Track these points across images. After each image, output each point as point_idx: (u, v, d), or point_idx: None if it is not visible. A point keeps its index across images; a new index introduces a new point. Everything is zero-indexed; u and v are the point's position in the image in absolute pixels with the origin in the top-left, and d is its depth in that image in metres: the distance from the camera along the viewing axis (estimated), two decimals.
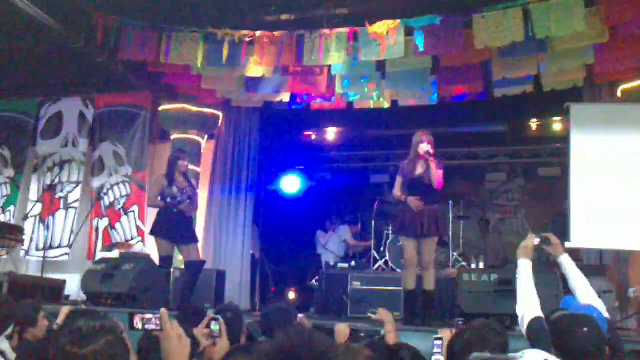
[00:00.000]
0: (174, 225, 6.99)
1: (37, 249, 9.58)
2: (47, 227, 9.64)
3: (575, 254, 7.72)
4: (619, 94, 8.02)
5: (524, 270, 3.52)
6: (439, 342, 3.28)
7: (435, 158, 6.19)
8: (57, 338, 1.65)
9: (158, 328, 1.98)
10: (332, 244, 10.47)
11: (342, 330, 4.17)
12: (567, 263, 3.65)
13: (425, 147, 6.14)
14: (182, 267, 7.48)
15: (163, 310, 2.00)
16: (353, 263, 9.35)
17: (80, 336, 1.62)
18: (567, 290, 3.86)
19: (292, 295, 9.83)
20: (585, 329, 2.69)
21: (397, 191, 6.44)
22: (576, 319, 2.82)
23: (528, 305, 3.34)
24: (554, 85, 7.85)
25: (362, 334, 4.72)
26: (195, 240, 7.29)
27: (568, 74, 7.60)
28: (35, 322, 4.25)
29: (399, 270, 8.60)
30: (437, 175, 6.11)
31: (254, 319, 4.59)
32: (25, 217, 9.61)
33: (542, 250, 3.75)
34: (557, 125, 10.42)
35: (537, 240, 3.66)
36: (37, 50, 8.39)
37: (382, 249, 9.60)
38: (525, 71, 7.55)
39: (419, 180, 6.22)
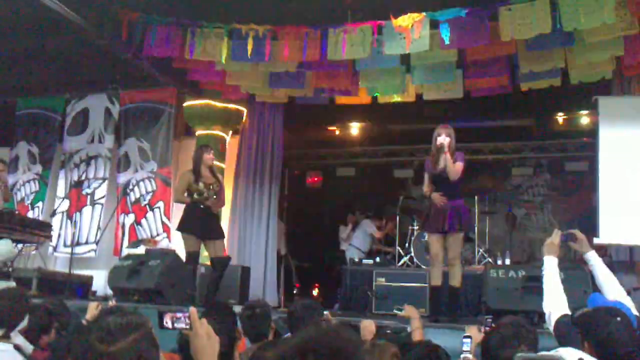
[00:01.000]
0: (200, 221, 7.01)
1: (65, 245, 9.69)
2: (75, 224, 9.75)
3: (602, 250, 7.63)
4: None
5: (550, 267, 3.47)
6: (467, 340, 3.25)
7: (456, 151, 6.14)
8: (85, 335, 1.65)
9: (187, 327, 1.98)
10: (356, 240, 10.43)
11: (368, 326, 4.16)
12: (594, 260, 3.58)
13: (440, 140, 6.10)
14: (208, 263, 7.51)
15: (192, 308, 2.00)
16: (378, 259, 9.31)
17: (108, 333, 1.61)
18: (597, 287, 3.80)
19: (316, 291, 9.83)
20: (618, 319, 2.65)
21: (425, 187, 6.41)
22: (607, 311, 2.77)
23: (555, 302, 3.29)
24: (581, 78, 7.73)
25: (389, 331, 4.70)
26: (221, 236, 7.31)
27: (596, 66, 7.47)
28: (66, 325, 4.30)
29: (424, 267, 8.54)
30: (453, 168, 6.05)
31: (280, 316, 4.60)
32: (53, 214, 9.74)
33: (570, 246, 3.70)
34: (584, 119, 10.27)
35: (562, 237, 3.61)
36: (63, 47, 8.50)
37: (407, 245, 9.55)
38: (552, 64, 7.44)
39: (441, 175, 6.18)
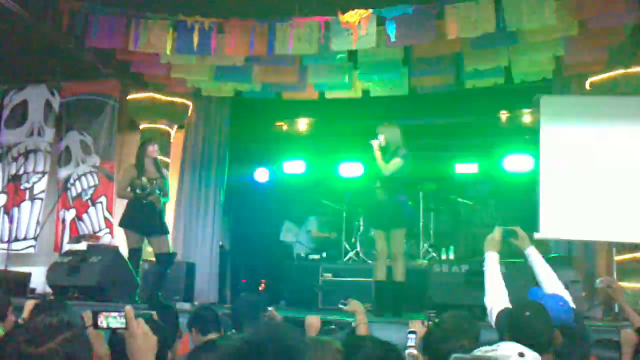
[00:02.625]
0: (143, 217, 6.89)
1: (2, 241, 9.36)
2: (12, 219, 9.42)
3: (543, 245, 7.83)
4: (587, 86, 8.10)
5: (491, 263, 3.56)
6: (412, 336, 3.28)
7: (399, 147, 6.26)
8: (13, 336, 1.58)
9: (123, 326, 1.92)
10: (302, 236, 10.40)
11: (312, 322, 4.16)
12: (533, 255, 3.70)
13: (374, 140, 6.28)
14: (151, 259, 7.38)
15: (128, 307, 1.94)
16: (324, 254, 9.32)
17: (36, 334, 1.55)
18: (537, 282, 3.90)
19: (262, 287, 9.77)
20: (527, 314, 2.77)
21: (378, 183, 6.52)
22: (522, 305, 2.91)
23: (496, 297, 3.36)
24: (524, 77, 7.91)
25: (333, 326, 4.71)
26: (165, 231, 7.19)
27: (538, 65, 7.66)
28: (4, 317, 4.14)
29: (370, 261, 8.60)
30: (382, 166, 6.24)
31: (224, 312, 4.55)
32: None
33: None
34: (526, 117, 10.50)
35: (503, 233, 3.69)
36: (1, 36, 8.18)
37: (353, 240, 9.59)
38: (496, 63, 7.59)
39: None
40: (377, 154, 6.27)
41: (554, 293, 3.41)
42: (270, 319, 4.06)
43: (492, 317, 3.25)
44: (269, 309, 4.26)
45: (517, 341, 2.24)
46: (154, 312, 2.63)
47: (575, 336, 3.22)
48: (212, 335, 3.53)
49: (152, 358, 1.91)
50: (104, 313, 1.95)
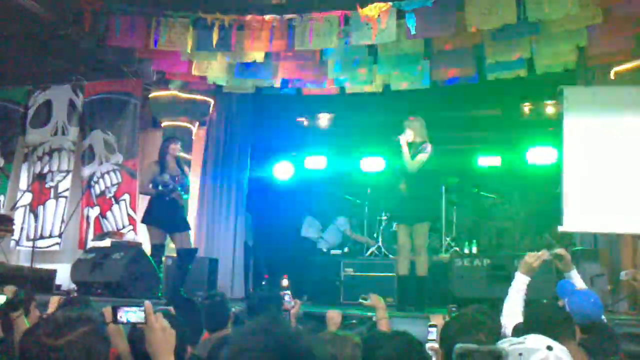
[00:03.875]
0: (166, 213, 6.95)
1: (28, 239, 9.51)
2: (37, 217, 9.56)
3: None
4: (612, 76, 7.95)
5: (518, 287, 3.47)
6: (432, 329, 3.27)
7: (424, 142, 6.24)
8: (34, 329, 1.62)
9: (143, 321, 1.95)
10: (329, 235, 10.30)
11: (333, 317, 4.17)
12: (575, 278, 3.71)
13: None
14: (174, 255, 7.44)
15: (147, 302, 1.96)
16: (346, 249, 9.30)
17: (55, 327, 1.59)
18: (560, 274, 3.89)
19: (285, 282, 9.78)
20: (544, 301, 2.77)
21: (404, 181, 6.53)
22: (538, 300, 3.00)
23: (511, 319, 3.31)
24: (546, 68, 7.80)
25: (354, 321, 4.71)
26: (187, 227, 7.25)
27: (561, 56, 7.55)
28: (27, 312, 4.21)
29: (391, 256, 8.58)
30: (407, 161, 6.32)
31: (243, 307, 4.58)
32: (13, 207, 9.53)
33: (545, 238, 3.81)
34: (550, 109, 10.38)
35: (548, 255, 3.63)
36: (25, 37, 8.30)
37: (375, 234, 9.56)
38: (518, 54, 7.50)
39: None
40: (405, 149, 6.27)
41: (585, 289, 3.40)
42: (286, 309, 4.08)
43: (507, 335, 3.21)
44: (292, 302, 4.26)
45: (533, 331, 2.22)
46: (171, 307, 2.65)
47: (605, 332, 3.21)
48: (225, 331, 3.55)
49: (170, 352, 1.93)
50: (124, 308, 1.98)
